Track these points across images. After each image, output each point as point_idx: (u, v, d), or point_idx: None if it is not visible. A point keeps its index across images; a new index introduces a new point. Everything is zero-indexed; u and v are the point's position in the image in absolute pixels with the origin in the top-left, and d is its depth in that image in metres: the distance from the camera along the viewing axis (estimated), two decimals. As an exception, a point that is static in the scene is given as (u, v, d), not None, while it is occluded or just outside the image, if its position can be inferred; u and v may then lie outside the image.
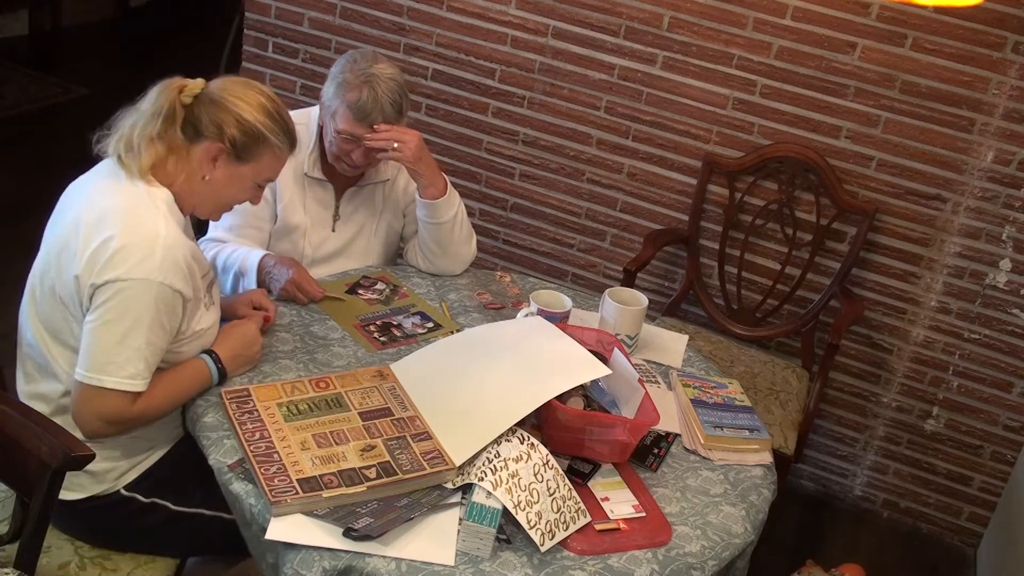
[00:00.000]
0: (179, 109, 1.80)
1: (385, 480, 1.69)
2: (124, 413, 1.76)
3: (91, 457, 1.61)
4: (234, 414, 1.79)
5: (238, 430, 1.76)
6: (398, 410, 1.88)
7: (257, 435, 1.75)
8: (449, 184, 2.40)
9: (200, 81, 1.84)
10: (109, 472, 1.87)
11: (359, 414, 1.85)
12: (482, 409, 1.83)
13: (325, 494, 1.64)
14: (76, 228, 1.76)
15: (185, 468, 1.91)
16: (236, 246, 2.34)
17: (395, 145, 2.27)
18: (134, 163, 1.79)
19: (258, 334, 1.99)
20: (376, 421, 1.84)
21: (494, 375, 1.90)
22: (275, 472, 1.67)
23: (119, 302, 1.70)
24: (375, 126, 2.27)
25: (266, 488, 1.63)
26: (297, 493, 1.63)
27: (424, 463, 1.74)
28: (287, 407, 1.83)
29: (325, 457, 1.72)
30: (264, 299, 2.13)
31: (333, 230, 2.47)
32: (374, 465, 1.72)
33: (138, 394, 1.75)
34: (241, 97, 1.83)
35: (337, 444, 1.76)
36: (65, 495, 1.72)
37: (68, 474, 1.67)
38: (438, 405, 1.88)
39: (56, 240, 1.80)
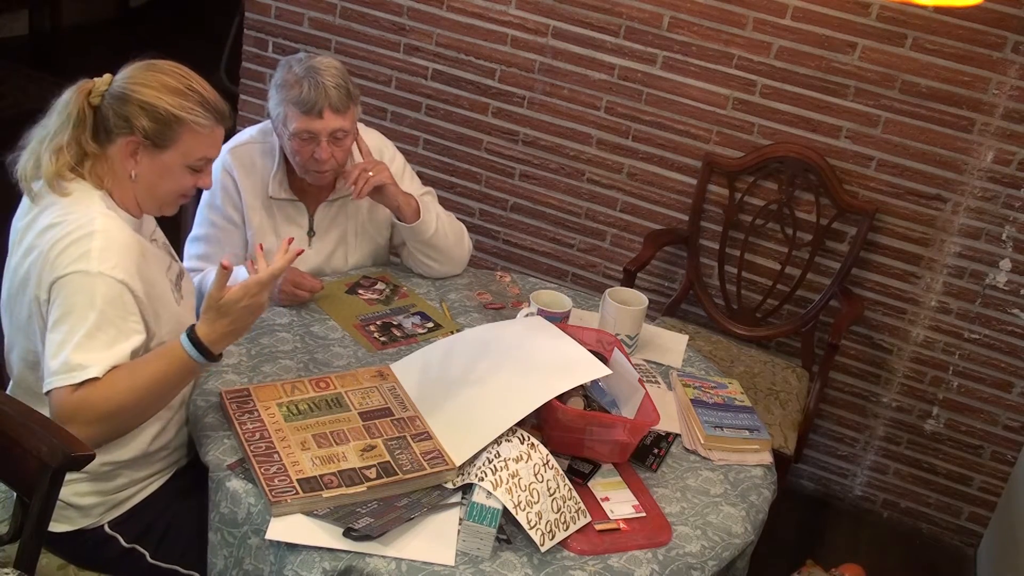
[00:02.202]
0: (87, 112, 1.72)
1: (385, 480, 1.69)
2: (70, 406, 1.63)
3: (91, 457, 1.60)
4: (234, 414, 1.79)
5: (238, 430, 1.76)
6: (398, 410, 1.88)
7: (257, 435, 1.75)
8: (416, 199, 2.37)
9: (107, 77, 1.73)
10: (95, 507, 1.83)
11: (359, 414, 1.85)
12: (482, 409, 1.83)
13: (325, 494, 1.64)
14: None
15: (170, 519, 1.88)
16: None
17: (370, 174, 2.23)
18: (44, 176, 1.72)
19: (258, 295, 1.68)
20: (376, 421, 1.83)
21: (494, 375, 1.90)
22: (275, 472, 1.67)
23: (59, 302, 1.65)
24: (346, 176, 2.25)
25: (266, 488, 1.63)
26: (297, 493, 1.63)
27: (424, 463, 1.74)
28: (287, 407, 1.83)
29: (325, 457, 1.72)
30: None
31: (309, 246, 2.41)
32: (374, 465, 1.72)
33: (78, 384, 1.62)
34: (143, 83, 1.72)
35: (337, 444, 1.76)
36: (53, 527, 1.68)
37: (56, 506, 1.64)
38: (438, 405, 1.88)
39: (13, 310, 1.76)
